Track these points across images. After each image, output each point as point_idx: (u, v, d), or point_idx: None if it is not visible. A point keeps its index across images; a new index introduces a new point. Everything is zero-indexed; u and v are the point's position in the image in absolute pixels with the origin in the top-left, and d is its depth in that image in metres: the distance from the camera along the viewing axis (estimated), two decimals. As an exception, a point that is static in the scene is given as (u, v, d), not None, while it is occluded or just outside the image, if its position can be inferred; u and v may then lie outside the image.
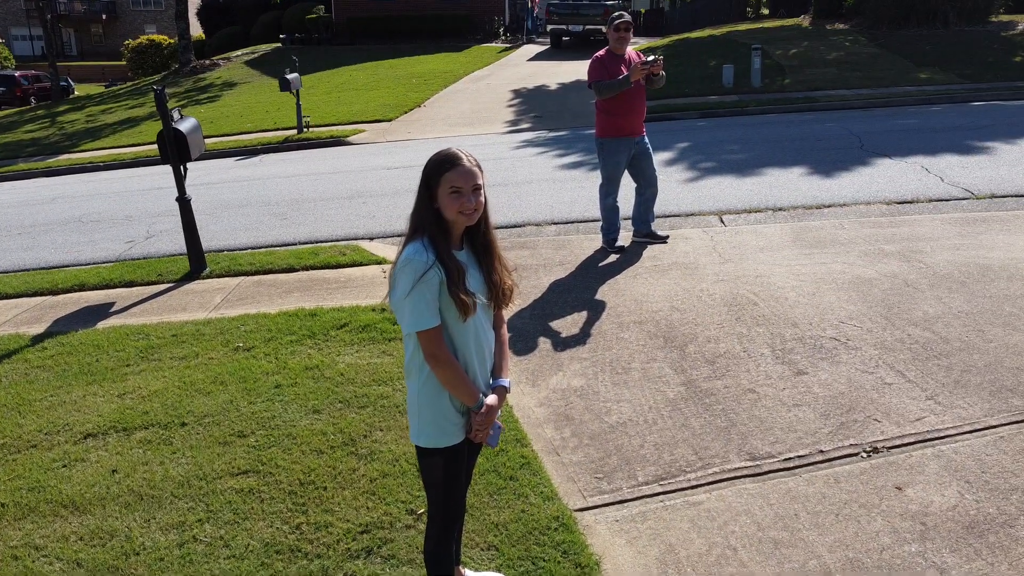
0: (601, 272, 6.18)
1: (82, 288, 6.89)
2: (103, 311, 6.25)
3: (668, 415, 4.01)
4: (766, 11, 34.01)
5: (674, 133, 12.19)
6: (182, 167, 6.80)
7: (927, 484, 3.31)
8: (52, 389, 4.80)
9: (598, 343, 4.89)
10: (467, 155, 2.34)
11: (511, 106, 17.15)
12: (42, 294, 6.84)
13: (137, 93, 25.84)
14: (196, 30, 38.54)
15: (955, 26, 20.22)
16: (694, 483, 3.45)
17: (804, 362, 4.43)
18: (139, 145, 16.45)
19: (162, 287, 6.75)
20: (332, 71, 24.11)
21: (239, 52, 30.55)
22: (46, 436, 4.23)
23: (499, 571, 2.98)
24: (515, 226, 7.84)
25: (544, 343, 4.97)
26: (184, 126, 6.69)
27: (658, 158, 7.39)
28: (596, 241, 6.85)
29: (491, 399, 2.46)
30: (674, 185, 8.76)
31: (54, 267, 7.90)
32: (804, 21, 24.26)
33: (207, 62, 28.59)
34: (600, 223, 6.76)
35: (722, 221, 7.47)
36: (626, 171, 6.49)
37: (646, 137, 6.47)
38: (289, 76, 14.80)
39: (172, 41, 35.85)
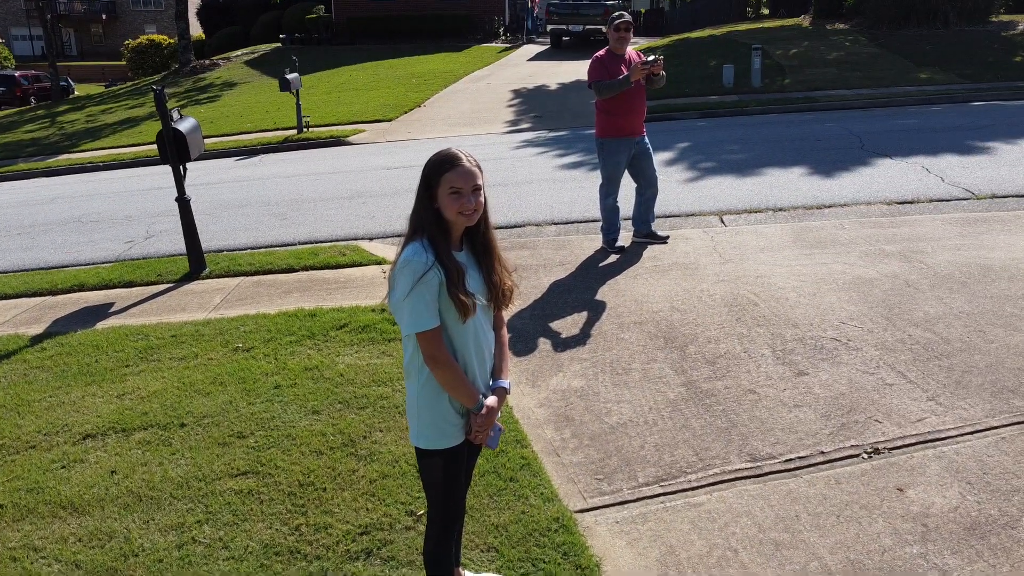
0: (601, 272, 6.17)
1: (81, 288, 6.88)
2: (102, 311, 6.24)
3: (668, 416, 4.00)
4: (766, 11, 34.02)
5: (674, 133, 12.18)
6: (182, 167, 6.80)
7: (928, 485, 3.30)
8: (51, 390, 4.79)
9: (598, 344, 4.88)
10: (467, 155, 2.33)
11: (511, 106, 17.14)
12: (41, 294, 6.83)
13: (137, 93, 25.83)
14: (196, 30, 38.60)
15: (955, 26, 20.22)
16: (695, 484, 3.44)
17: (805, 363, 4.42)
18: (139, 145, 16.45)
19: (161, 287, 6.74)
20: (332, 71, 24.10)
21: (239, 52, 30.54)
22: (45, 437, 4.22)
23: (499, 572, 2.97)
24: (515, 226, 7.83)
25: (544, 344, 4.96)
26: (184, 126, 6.69)
27: (658, 158, 7.38)
28: (596, 241, 6.84)
29: (491, 400, 2.45)
30: (674, 185, 8.74)
31: (53, 267, 7.89)
32: (804, 21, 24.25)
33: (207, 62, 28.59)
34: (600, 223, 6.75)
35: (722, 221, 7.46)
36: (626, 171, 6.49)
37: (646, 137, 6.47)
38: (289, 76, 14.80)
39: (172, 41, 35.86)
